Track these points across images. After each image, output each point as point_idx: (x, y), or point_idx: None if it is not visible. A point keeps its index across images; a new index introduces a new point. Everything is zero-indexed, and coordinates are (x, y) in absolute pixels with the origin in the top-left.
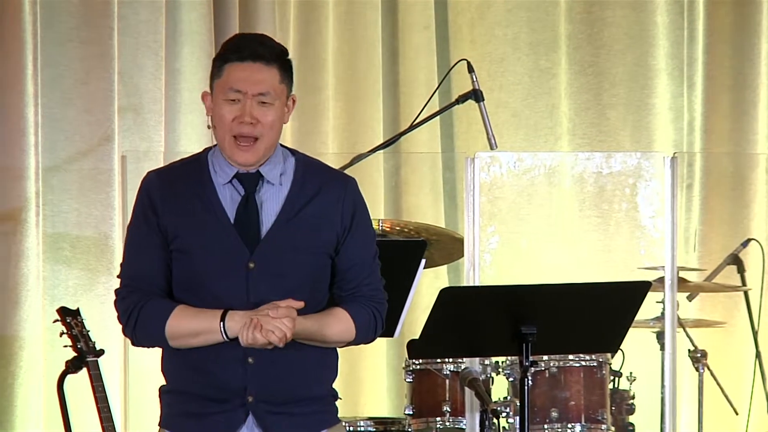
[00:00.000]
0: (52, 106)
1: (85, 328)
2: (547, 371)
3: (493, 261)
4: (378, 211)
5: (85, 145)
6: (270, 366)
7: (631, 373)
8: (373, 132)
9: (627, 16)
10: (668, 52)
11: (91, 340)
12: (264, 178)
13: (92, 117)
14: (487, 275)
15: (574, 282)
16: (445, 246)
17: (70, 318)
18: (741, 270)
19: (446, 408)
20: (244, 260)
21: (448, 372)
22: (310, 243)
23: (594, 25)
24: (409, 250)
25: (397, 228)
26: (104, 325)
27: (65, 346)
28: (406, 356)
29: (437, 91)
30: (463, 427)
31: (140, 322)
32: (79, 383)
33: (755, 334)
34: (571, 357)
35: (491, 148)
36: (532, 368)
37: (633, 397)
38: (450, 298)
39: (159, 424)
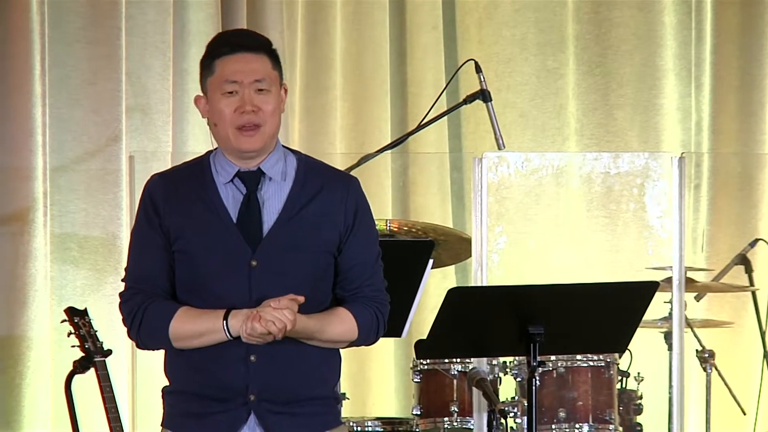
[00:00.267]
0: (60, 106)
1: (92, 328)
2: (554, 371)
3: (501, 261)
4: (386, 211)
5: (93, 145)
6: (272, 364)
7: (638, 373)
8: (381, 132)
9: (634, 17)
10: (676, 53)
11: (98, 340)
12: (266, 175)
13: (100, 117)
14: (494, 275)
15: (582, 282)
16: (452, 246)
17: (77, 318)
18: (749, 270)
19: (454, 408)
20: (247, 259)
21: (455, 372)
22: (312, 242)
23: (601, 26)
24: (416, 251)
25: (405, 228)
26: (112, 326)
27: (73, 347)
28: (414, 356)
29: (445, 92)
30: (471, 427)
31: (144, 324)
32: (86, 383)
33: (763, 334)
34: (578, 357)
35: (499, 149)
36: (540, 368)
37: (641, 398)
38: (458, 298)
39: (161, 425)
